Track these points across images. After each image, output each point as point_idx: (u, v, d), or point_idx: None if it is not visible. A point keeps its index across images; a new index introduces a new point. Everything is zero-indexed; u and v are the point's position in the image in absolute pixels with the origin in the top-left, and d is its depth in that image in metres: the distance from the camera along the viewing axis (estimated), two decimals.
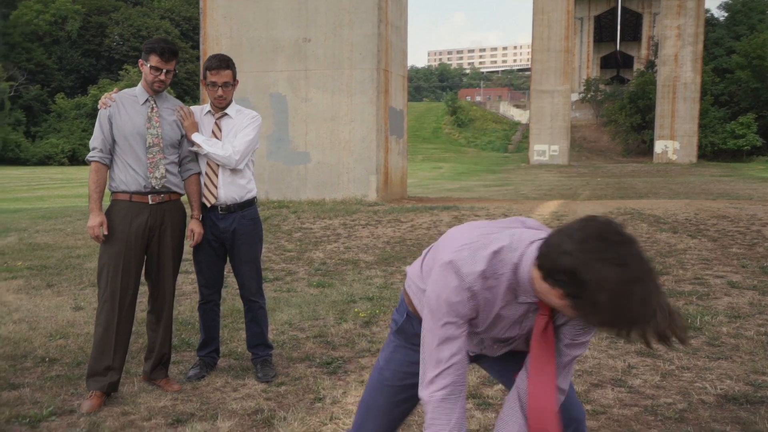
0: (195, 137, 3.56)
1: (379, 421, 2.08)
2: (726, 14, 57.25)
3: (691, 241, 8.51)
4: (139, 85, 3.52)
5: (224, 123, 3.65)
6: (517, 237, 1.72)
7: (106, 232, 3.37)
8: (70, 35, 61.26)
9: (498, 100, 73.31)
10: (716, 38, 52.00)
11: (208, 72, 3.58)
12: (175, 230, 3.55)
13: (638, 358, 3.97)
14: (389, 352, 2.07)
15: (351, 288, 6.03)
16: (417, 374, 1.86)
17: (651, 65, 54.88)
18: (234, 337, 4.51)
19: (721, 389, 3.42)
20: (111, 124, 3.43)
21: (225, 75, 3.55)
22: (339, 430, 3.04)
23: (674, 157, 43.10)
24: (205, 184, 3.62)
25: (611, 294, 1.46)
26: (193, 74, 64.31)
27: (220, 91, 3.56)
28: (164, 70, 3.42)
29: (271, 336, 4.30)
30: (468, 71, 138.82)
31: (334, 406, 3.30)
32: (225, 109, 3.66)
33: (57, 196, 18.78)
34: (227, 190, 3.62)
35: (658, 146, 43.81)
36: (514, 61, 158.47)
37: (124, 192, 3.41)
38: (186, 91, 65.75)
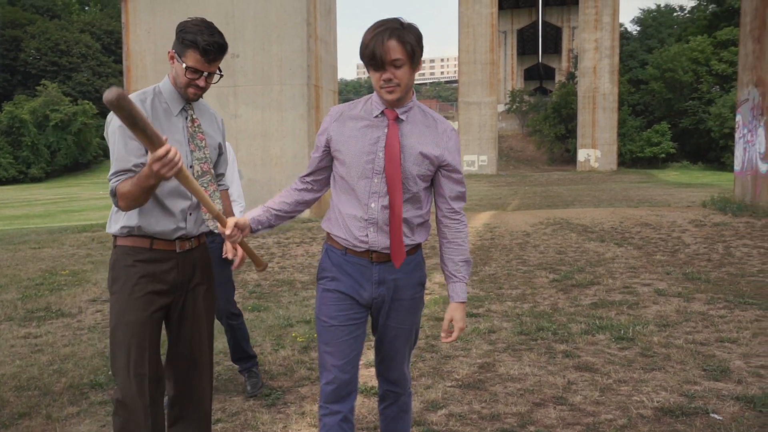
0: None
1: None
2: (638, 28, 60.20)
3: (618, 250, 8.79)
4: (166, 82, 2.48)
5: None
6: None
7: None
8: None
9: None
10: (630, 51, 54.53)
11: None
12: (209, 284, 2.65)
13: (577, 373, 4.02)
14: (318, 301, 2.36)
15: (287, 311, 5.89)
16: (348, 310, 2.27)
17: (572, 77, 56.94)
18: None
19: (657, 402, 3.49)
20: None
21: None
22: None
23: (596, 165, 44.78)
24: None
25: None
26: None
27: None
28: (205, 74, 2.40)
29: None
30: None
31: None
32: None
33: None
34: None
35: (581, 155, 45.42)
36: (442, 73, 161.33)
37: (142, 237, 2.43)
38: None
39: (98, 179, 49.26)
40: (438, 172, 2.27)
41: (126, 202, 2.27)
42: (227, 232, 2.22)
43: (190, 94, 2.43)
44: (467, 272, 2.33)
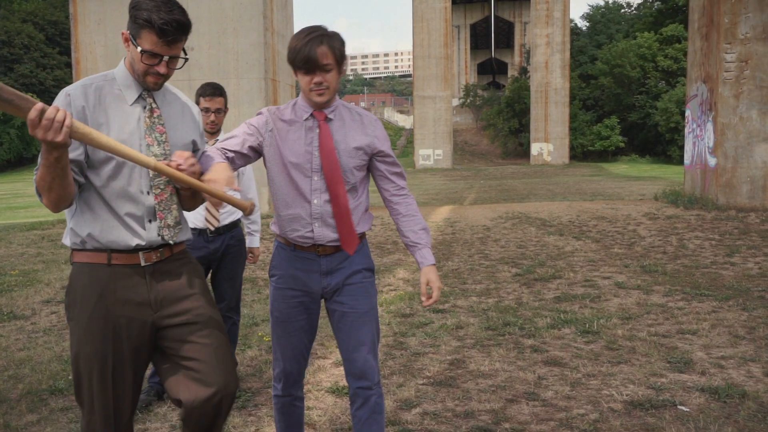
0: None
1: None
2: (588, 24, 61.48)
3: (577, 243, 8.95)
4: (121, 67, 2.13)
5: None
6: None
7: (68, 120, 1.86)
8: None
9: (382, 106, 74.37)
10: (581, 46, 55.67)
11: (201, 98, 3.68)
12: (201, 293, 2.23)
13: (546, 368, 4.06)
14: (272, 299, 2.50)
15: (252, 310, 5.79)
16: (299, 305, 2.45)
17: (524, 71, 57.80)
18: None
19: (626, 395, 3.55)
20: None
21: (218, 102, 3.67)
22: None
23: (549, 159, 45.62)
24: (207, 209, 3.71)
25: None
26: (62, 81, 60.24)
27: (212, 117, 3.67)
28: (165, 58, 2.04)
29: None
30: (351, 77, 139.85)
31: None
32: (216, 135, 3.78)
33: None
34: (223, 215, 3.78)
35: (534, 148, 46.20)
36: (396, 67, 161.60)
37: (97, 251, 2.07)
38: (54, 100, 61.45)
39: None
40: (372, 159, 2.47)
41: (44, 194, 1.94)
42: (178, 161, 1.99)
43: (149, 83, 2.06)
44: (428, 238, 2.52)
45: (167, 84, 2.19)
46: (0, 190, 31.09)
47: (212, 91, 3.68)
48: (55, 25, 62.61)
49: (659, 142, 44.83)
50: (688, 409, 3.34)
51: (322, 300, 2.50)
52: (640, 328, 4.86)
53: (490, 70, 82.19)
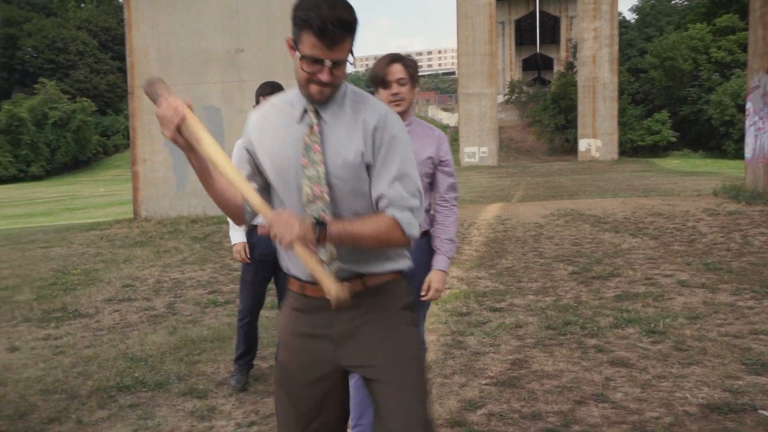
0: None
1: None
2: (637, 17, 59.97)
3: (634, 240, 8.72)
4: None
5: None
6: None
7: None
8: None
9: (426, 104, 74.09)
10: (629, 39, 54.35)
11: (261, 98, 3.78)
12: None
13: (613, 369, 3.94)
14: None
15: None
16: None
17: (570, 66, 56.76)
18: (192, 371, 4.22)
19: (702, 398, 3.42)
20: (253, 154, 1.88)
21: None
22: None
23: (597, 155, 44.65)
24: None
25: None
26: (115, 86, 61.98)
27: None
28: (328, 63, 1.70)
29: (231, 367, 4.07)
30: None
31: None
32: None
33: None
34: None
35: (582, 144, 45.29)
36: (439, 65, 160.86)
37: (294, 278, 1.91)
38: (108, 104, 63.44)
39: (98, 177, 49.11)
40: (436, 168, 2.85)
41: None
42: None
43: (313, 94, 1.73)
44: (451, 248, 2.84)
45: (354, 90, 1.82)
46: (58, 192, 32.16)
47: (270, 90, 3.76)
48: (107, 32, 64.47)
49: (713, 136, 43.41)
50: None
51: None
52: (709, 328, 4.69)
53: (535, 65, 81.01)
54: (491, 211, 13.18)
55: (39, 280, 7.53)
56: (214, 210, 11.71)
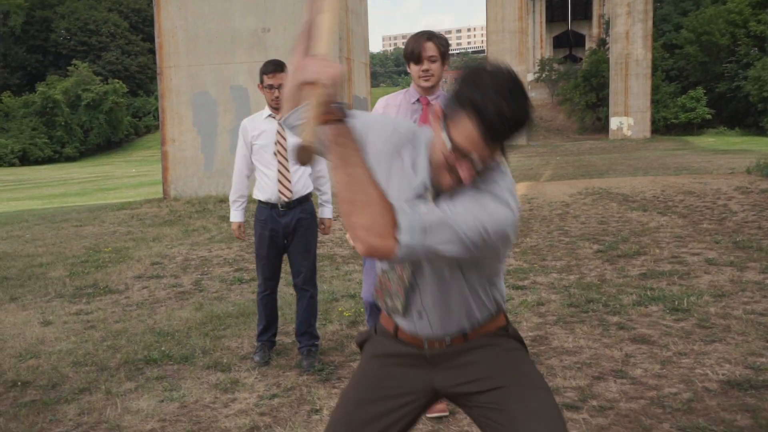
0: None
1: None
2: None
3: (662, 219, 8.60)
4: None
5: None
6: None
7: None
8: (14, 31, 58.92)
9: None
10: (664, 15, 52.90)
11: (264, 76, 3.80)
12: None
13: (634, 346, 3.93)
14: None
15: (331, 286, 5.88)
16: None
17: (602, 43, 55.56)
18: (217, 346, 4.32)
19: (722, 375, 3.39)
20: None
21: (280, 78, 3.78)
22: None
23: (629, 133, 43.86)
24: (279, 181, 3.83)
25: None
26: (146, 67, 62.67)
27: (276, 93, 3.79)
28: (476, 158, 1.36)
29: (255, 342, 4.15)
30: None
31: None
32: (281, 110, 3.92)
33: (9, 199, 18.06)
34: (295, 188, 3.87)
35: (613, 123, 44.51)
36: (469, 43, 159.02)
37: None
38: (139, 85, 64.20)
39: (130, 158, 49.84)
40: None
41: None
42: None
43: (443, 184, 1.49)
44: None
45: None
46: (91, 173, 32.79)
47: (273, 68, 3.80)
48: (138, 13, 65.05)
49: (750, 113, 42.25)
50: None
51: None
52: (734, 306, 4.63)
53: (566, 43, 79.51)
54: (518, 190, 13.10)
55: (72, 257, 7.73)
56: None
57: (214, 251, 7.80)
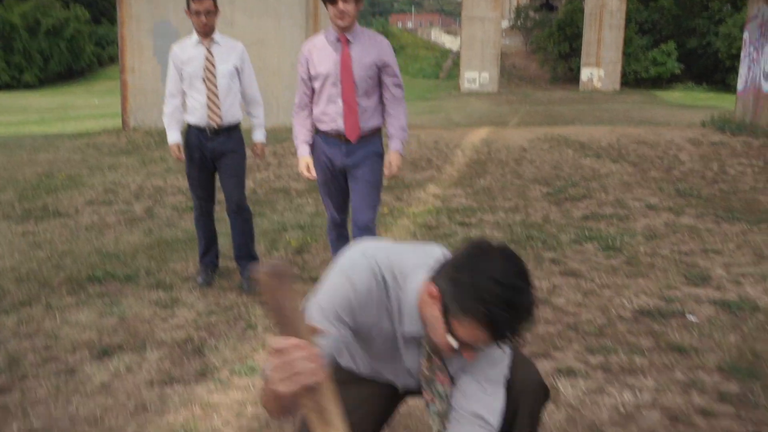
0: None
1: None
2: None
3: (613, 166, 8.81)
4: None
5: (215, 50, 3.92)
6: None
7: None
8: None
9: (429, 27, 72.32)
10: None
11: (192, 2, 3.79)
12: None
13: (562, 278, 4.13)
14: None
15: (282, 217, 5.96)
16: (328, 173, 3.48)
17: None
18: (162, 268, 4.40)
19: (637, 305, 3.61)
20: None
21: (207, 4, 3.80)
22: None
23: (599, 85, 44.05)
24: (208, 107, 3.88)
25: None
26: None
27: (203, 18, 3.80)
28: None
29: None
30: None
31: (267, 333, 3.30)
32: (211, 35, 3.91)
33: None
34: (224, 114, 3.92)
35: (584, 74, 44.59)
36: None
37: None
38: (102, 13, 61.74)
39: (92, 88, 48.41)
40: (381, 71, 3.32)
41: None
42: None
43: (445, 353, 1.53)
44: (403, 135, 3.41)
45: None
46: (51, 103, 31.84)
47: None
48: None
49: (718, 70, 42.69)
50: (696, 319, 3.38)
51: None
52: (663, 246, 4.86)
53: None
54: (479, 134, 13.19)
55: (23, 182, 7.64)
56: None
57: (169, 181, 7.79)
